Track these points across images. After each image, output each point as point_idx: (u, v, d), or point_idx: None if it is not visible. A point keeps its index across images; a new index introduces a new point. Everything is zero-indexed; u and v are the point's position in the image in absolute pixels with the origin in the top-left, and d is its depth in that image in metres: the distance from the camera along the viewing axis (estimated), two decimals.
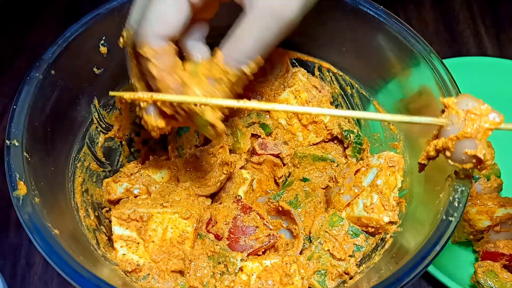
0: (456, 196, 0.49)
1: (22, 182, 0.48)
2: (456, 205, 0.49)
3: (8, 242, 0.77)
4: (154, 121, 0.53)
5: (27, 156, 0.51)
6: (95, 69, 0.63)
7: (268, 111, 0.74)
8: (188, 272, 0.58)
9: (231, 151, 0.72)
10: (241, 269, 0.56)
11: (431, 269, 0.69)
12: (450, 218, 0.48)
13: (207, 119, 0.49)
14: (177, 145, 0.74)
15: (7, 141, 0.50)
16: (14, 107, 0.53)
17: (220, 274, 0.56)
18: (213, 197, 0.69)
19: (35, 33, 1.01)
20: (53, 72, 0.57)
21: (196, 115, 0.49)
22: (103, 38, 0.62)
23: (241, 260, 0.57)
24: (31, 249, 0.77)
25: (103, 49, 0.63)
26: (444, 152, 0.47)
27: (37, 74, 0.55)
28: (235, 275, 0.55)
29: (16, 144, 0.50)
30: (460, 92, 0.57)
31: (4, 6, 1.07)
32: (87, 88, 0.64)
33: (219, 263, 0.57)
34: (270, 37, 0.48)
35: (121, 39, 0.53)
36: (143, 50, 0.48)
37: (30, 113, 0.53)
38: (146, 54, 0.48)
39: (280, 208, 0.65)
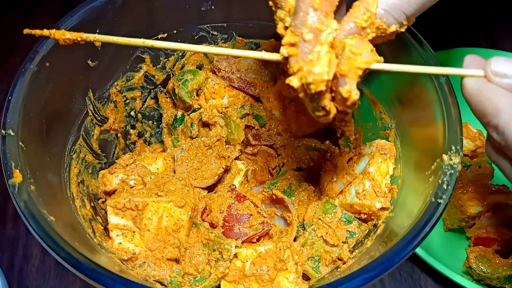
0: (445, 179, 0.50)
1: (17, 171, 0.49)
2: (445, 187, 0.49)
3: (6, 234, 0.78)
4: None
5: (23, 145, 0.51)
6: (89, 62, 0.64)
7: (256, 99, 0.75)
8: (184, 260, 0.58)
9: (226, 142, 0.72)
10: (235, 255, 0.56)
11: (424, 255, 0.70)
12: (439, 200, 0.49)
13: (323, 104, 0.45)
14: (172, 137, 0.75)
15: (2, 131, 0.51)
16: (10, 98, 0.53)
17: (215, 261, 0.57)
18: (209, 189, 0.70)
19: (31, 29, 1.02)
20: (47, 64, 0.57)
21: (313, 98, 0.45)
22: (97, 30, 0.63)
23: (236, 247, 0.57)
24: (28, 241, 0.77)
25: (97, 42, 0.63)
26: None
27: (32, 66, 0.56)
28: (230, 261, 0.56)
29: (12, 134, 0.51)
30: (450, 82, 0.58)
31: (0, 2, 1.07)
32: (81, 80, 0.64)
33: (214, 250, 0.58)
34: None
35: None
36: None
37: (25, 104, 0.54)
38: None
39: (274, 197, 0.66)
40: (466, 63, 0.44)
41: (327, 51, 0.43)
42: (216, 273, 0.56)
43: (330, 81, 0.43)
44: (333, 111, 0.46)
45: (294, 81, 0.44)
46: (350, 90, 0.43)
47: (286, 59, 0.45)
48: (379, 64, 0.44)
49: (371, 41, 0.45)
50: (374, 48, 0.44)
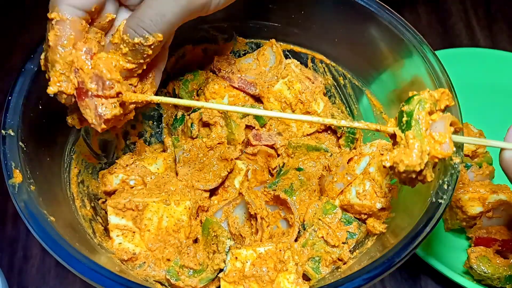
0: (445, 179, 0.50)
1: (17, 171, 0.49)
2: (446, 187, 0.49)
3: (6, 235, 0.78)
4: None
5: (23, 145, 0.51)
6: None
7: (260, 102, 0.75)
8: (185, 253, 0.59)
9: (226, 142, 0.72)
10: (235, 257, 0.56)
11: (425, 256, 0.70)
12: (440, 201, 0.49)
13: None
14: (172, 137, 0.75)
15: (2, 131, 0.51)
16: (10, 98, 0.53)
17: (212, 253, 0.57)
18: (211, 190, 0.69)
19: (31, 30, 1.02)
20: None
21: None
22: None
23: (232, 247, 0.58)
24: (28, 242, 0.77)
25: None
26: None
27: (32, 66, 0.56)
28: (226, 254, 0.56)
29: (12, 134, 0.51)
30: (451, 82, 0.58)
31: (0, 2, 1.07)
32: None
33: (212, 244, 0.59)
34: (172, 15, 0.49)
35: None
36: (50, 14, 0.48)
37: (25, 104, 0.54)
38: (51, 17, 0.48)
39: (278, 198, 0.66)
40: (509, 134, 0.47)
41: (413, 136, 0.46)
42: (213, 265, 0.56)
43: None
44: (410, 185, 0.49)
45: (386, 163, 0.47)
46: (425, 174, 0.46)
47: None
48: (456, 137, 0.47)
49: (127, 55, 0.51)
50: (456, 120, 0.48)
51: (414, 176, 0.46)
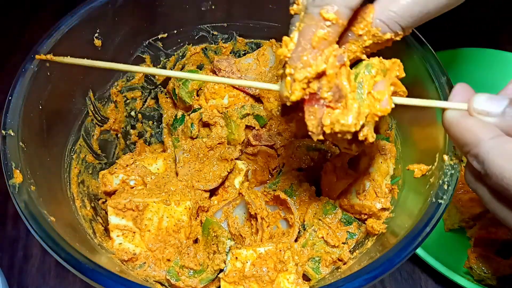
0: (445, 179, 0.50)
1: (18, 171, 0.49)
2: (446, 188, 0.49)
3: (6, 234, 0.78)
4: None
5: (23, 146, 0.51)
6: None
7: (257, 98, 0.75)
8: (186, 253, 0.59)
9: (227, 143, 0.72)
10: (235, 257, 0.56)
11: (425, 256, 0.70)
12: (440, 201, 0.49)
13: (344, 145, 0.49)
14: (172, 137, 0.75)
15: (2, 131, 0.51)
16: (10, 98, 0.53)
17: (213, 253, 0.57)
18: (211, 190, 0.69)
19: (31, 29, 1.02)
20: (48, 64, 0.57)
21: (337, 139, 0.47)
22: (97, 31, 0.63)
23: (231, 247, 0.58)
24: (28, 242, 0.78)
25: (98, 42, 0.64)
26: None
27: (32, 66, 0.56)
28: (226, 254, 0.56)
29: (12, 134, 0.51)
30: (451, 82, 0.58)
31: (0, 2, 1.07)
32: (81, 80, 0.64)
33: (213, 244, 0.59)
34: (434, 11, 0.46)
35: (294, 6, 0.48)
36: (326, 14, 0.42)
37: (25, 104, 0.54)
38: (326, 17, 0.42)
39: (278, 198, 0.66)
40: (453, 94, 0.46)
41: (353, 98, 0.44)
42: (213, 266, 0.56)
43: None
44: (354, 149, 0.50)
45: (326, 121, 0.44)
46: (367, 134, 0.45)
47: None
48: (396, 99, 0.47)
49: (368, 47, 0.47)
50: (399, 82, 0.47)
51: (349, 137, 0.44)
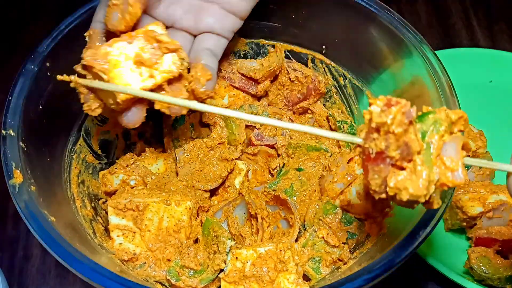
0: None
1: (18, 171, 0.49)
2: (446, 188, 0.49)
3: (6, 234, 0.78)
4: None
5: (23, 146, 0.52)
6: None
7: None
8: (186, 253, 0.59)
9: (227, 143, 0.72)
10: (236, 257, 0.56)
11: (425, 256, 0.70)
12: None
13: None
14: (172, 137, 0.75)
15: (3, 131, 0.51)
16: (10, 98, 0.54)
17: (213, 253, 0.57)
18: (212, 190, 0.69)
19: (32, 29, 1.02)
20: (48, 64, 0.57)
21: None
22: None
23: (232, 247, 0.58)
24: (28, 242, 0.77)
25: None
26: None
27: (32, 66, 0.56)
28: (226, 254, 0.56)
29: (12, 134, 0.51)
30: (451, 82, 0.58)
31: (0, 2, 1.07)
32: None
33: (213, 244, 0.59)
34: None
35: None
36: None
37: (25, 104, 0.54)
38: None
39: (278, 198, 0.66)
40: None
41: (422, 161, 0.40)
42: (213, 266, 0.56)
43: None
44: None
45: (390, 184, 0.41)
46: (432, 201, 0.42)
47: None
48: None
49: None
50: (467, 141, 0.43)
51: (416, 205, 0.42)
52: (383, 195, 0.42)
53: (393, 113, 0.39)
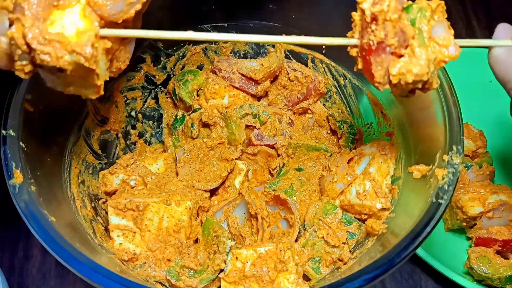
0: (446, 179, 0.50)
1: (18, 171, 0.49)
2: (446, 188, 0.49)
3: (6, 235, 0.78)
4: None
5: (23, 146, 0.52)
6: None
7: None
8: (186, 253, 0.59)
9: (228, 143, 0.72)
10: (236, 257, 0.56)
11: (425, 256, 0.70)
12: (440, 201, 0.49)
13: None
14: (173, 137, 0.75)
15: (3, 131, 0.51)
16: (10, 98, 0.53)
17: (213, 253, 0.57)
18: (212, 190, 0.69)
19: None
20: None
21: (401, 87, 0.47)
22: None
23: (232, 247, 0.58)
24: (29, 242, 0.77)
25: None
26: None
27: None
28: (227, 254, 0.56)
29: (12, 134, 0.51)
30: (451, 82, 0.58)
31: None
32: None
33: (213, 244, 0.59)
34: None
35: None
36: None
37: (25, 104, 0.54)
38: None
39: (278, 198, 0.66)
40: (497, 33, 0.47)
41: (418, 44, 0.44)
42: (213, 266, 0.56)
43: None
44: (410, 97, 0.49)
45: (393, 71, 0.44)
46: (431, 81, 0.45)
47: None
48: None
49: None
50: (449, 23, 0.46)
51: (420, 86, 0.45)
52: (387, 86, 0.45)
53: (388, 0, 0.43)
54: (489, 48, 0.47)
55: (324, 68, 0.75)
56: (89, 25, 0.43)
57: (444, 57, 0.44)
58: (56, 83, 0.45)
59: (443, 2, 0.47)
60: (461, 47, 0.46)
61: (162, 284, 0.58)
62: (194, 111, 0.73)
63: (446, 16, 0.47)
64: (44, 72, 0.44)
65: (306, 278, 0.60)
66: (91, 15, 0.43)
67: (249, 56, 0.77)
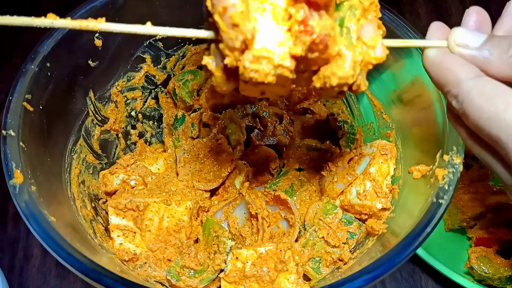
0: (446, 179, 0.50)
1: (18, 171, 0.49)
2: (446, 188, 0.49)
3: (6, 235, 0.78)
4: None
5: (24, 146, 0.51)
6: (90, 62, 0.64)
7: None
8: (186, 253, 0.59)
9: (228, 143, 0.72)
10: (236, 257, 0.56)
11: (425, 256, 0.70)
12: (440, 201, 0.49)
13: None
14: (173, 137, 0.75)
15: (3, 131, 0.51)
16: (10, 98, 0.53)
17: (213, 253, 0.57)
18: (212, 190, 0.70)
19: (32, 29, 1.01)
20: (48, 64, 0.57)
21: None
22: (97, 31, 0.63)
23: (232, 247, 0.57)
24: (29, 242, 0.78)
25: (98, 42, 0.64)
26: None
27: (33, 66, 0.56)
28: (227, 254, 0.56)
29: (12, 134, 0.51)
30: None
31: (0, 2, 1.07)
32: (82, 80, 0.64)
33: (213, 244, 0.59)
34: None
35: None
36: None
37: (25, 104, 0.54)
38: None
39: (278, 198, 0.66)
40: (430, 33, 0.44)
41: (349, 46, 0.41)
42: (213, 266, 0.56)
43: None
44: (339, 98, 0.46)
45: (316, 82, 0.42)
46: (359, 83, 0.43)
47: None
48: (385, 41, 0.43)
49: None
50: (380, 22, 0.44)
51: (346, 89, 0.42)
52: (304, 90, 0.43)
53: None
54: (422, 49, 0.44)
55: None
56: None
57: (370, 58, 0.41)
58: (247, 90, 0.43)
59: (376, 0, 0.44)
60: (390, 48, 0.43)
61: (162, 284, 0.58)
62: (194, 111, 0.73)
63: (380, 15, 0.44)
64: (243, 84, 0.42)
65: (306, 278, 0.60)
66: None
67: None
